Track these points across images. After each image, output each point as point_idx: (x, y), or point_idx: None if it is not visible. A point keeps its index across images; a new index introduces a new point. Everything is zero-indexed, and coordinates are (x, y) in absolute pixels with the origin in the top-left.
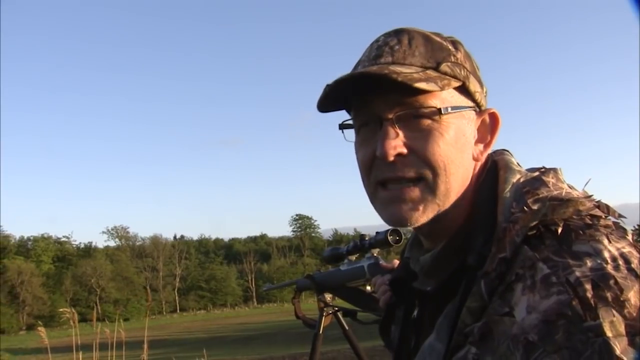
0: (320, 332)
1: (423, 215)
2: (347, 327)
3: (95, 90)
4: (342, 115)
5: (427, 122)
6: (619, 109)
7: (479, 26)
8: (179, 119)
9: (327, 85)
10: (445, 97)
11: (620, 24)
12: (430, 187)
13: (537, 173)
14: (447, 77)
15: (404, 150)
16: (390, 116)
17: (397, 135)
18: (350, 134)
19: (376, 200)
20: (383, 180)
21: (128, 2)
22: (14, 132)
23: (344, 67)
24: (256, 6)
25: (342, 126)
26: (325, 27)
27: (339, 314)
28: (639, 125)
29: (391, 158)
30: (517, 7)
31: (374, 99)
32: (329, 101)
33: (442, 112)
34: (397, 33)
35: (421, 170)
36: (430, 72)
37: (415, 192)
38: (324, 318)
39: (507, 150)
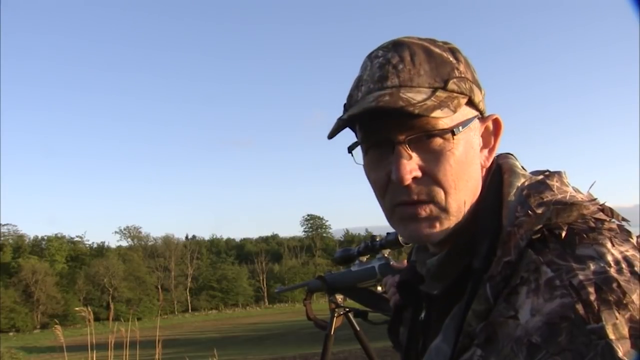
0: (332, 333)
1: (441, 232)
2: (358, 328)
3: (109, 91)
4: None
5: (439, 141)
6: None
7: (480, 29)
8: (191, 120)
9: (340, 120)
10: (454, 115)
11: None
12: (442, 207)
13: (541, 177)
14: (455, 94)
15: (419, 174)
16: (402, 138)
17: (411, 157)
18: (358, 152)
19: (393, 219)
20: (398, 204)
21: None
22: (28, 132)
23: (357, 67)
24: (270, 7)
25: (351, 148)
26: (338, 28)
27: (350, 315)
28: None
29: (407, 182)
30: (520, 10)
31: (384, 122)
32: (339, 131)
33: (455, 132)
34: (396, 47)
35: (433, 192)
36: (440, 94)
37: (429, 210)
38: (335, 319)
39: (512, 154)
